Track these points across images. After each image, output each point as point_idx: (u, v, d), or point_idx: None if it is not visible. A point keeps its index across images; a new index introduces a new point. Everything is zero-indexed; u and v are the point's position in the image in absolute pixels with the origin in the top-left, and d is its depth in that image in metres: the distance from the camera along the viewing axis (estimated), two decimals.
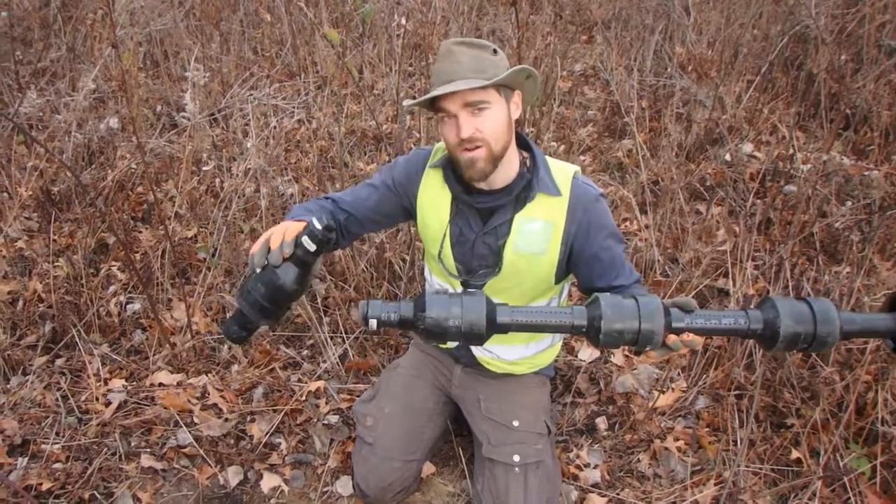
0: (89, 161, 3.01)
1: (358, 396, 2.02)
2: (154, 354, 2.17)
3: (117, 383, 2.06)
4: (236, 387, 2.08)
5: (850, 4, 3.89)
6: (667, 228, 2.69)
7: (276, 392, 2.07)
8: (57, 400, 1.99)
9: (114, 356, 2.17)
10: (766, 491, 1.77)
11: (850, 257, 2.33)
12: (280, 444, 1.93)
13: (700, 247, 2.60)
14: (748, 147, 3.25)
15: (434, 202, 1.57)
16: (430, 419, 1.77)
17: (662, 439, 1.93)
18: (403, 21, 3.02)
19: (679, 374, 2.12)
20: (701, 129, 3.31)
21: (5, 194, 2.74)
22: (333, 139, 3.07)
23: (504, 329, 1.11)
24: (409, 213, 1.65)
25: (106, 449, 1.86)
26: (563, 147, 3.34)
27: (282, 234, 1.24)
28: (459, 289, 1.62)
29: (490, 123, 1.37)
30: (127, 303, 2.38)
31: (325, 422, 1.99)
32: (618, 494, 1.80)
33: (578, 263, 1.53)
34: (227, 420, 1.96)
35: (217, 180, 2.84)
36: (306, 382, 2.09)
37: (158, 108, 3.51)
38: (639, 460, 1.90)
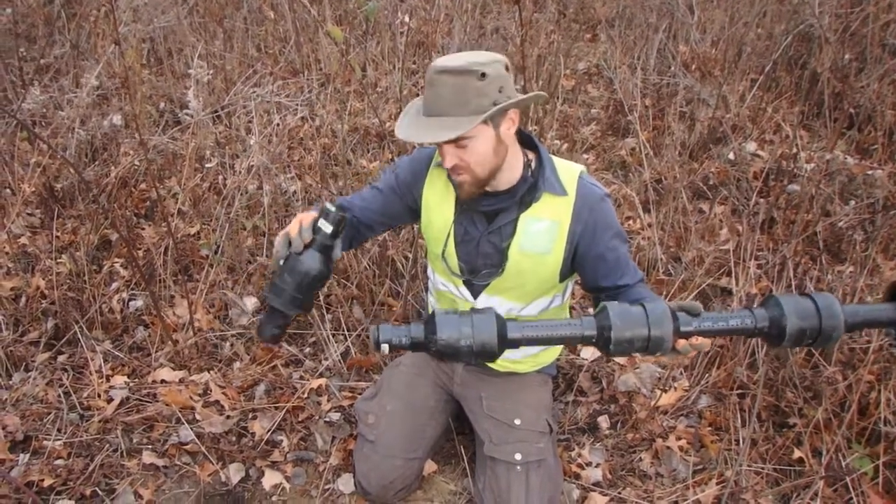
0: (92, 158, 3.01)
1: (360, 394, 2.02)
2: (156, 351, 2.17)
3: (119, 380, 2.06)
4: (238, 384, 2.08)
5: (854, 3, 3.87)
6: (670, 227, 2.69)
7: (278, 389, 2.07)
8: (59, 396, 1.99)
9: (116, 353, 2.17)
10: (768, 491, 1.77)
11: (853, 256, 2.33)
12: (282, 441, 1.93)
13: (703, 246, 2.59)
14: (751, 146, 3.24)
15: (439, 201, 1.57)
16: (432, 417, 1.77)
17: (664, 438, 1.93)
18: (407, 18, 3.02)
19: (681, 374, 2.12)
20: (704, 127, 3.31)
21: (8, 191, 2.74)
22: (336, 137, 3.07)
23: (515, 344, 1.13)
24: (415, 213, 1.65)
25: (108, 445, 1.86)
26: (566, 145, 3.34)
27: (298, 223, 1.30)
28: (462, 288, 1.62)
29: (474, 155, 1.36)
30: (129, 299, 2.38)
31: (327, 419, 1.99)
32: (619, 493, 1.80)
33: (583, 263, 1.53)
34: (228, 417, 1.96)
35: (220, 177, 2.84)
36: (308, 380, 2.09)
37: (162, 104, 3.51)
38: (641, 459, 1.90)
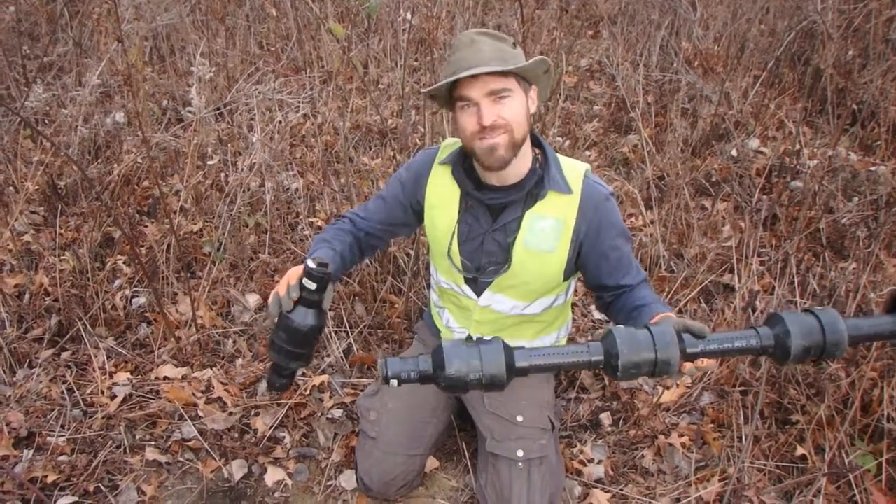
0: (95, 155, 3.02)
1: (362, 391, 2.02)
2: (159, 348, 2.18)
3: (122, 377, 2.07)
4: (241, 380, 2.09)
5: None
6: (672, 224, 2.68)
7: None
8: (62, 393, 2.00)
9: (119, 349, 2.18)
10: (770, 488, 1.77)
11: (856, 253, 2.32)
12: (284, 437, 1.93)
13: (705, 242, 2.59)
14: (754, 142, 3.23)
15: (442, 199, 1.57)
16: (434, 414, 1.77)
17: (667, 435, 1.93)
18: (409, 16, 3.01)
19: None
20: (707, 124, 3.30)
21: (12, 188, 2.75)
22: (338, 134, 3.07)
23: (523, 372, 1.14)
24: (419, 216, 1.66)
25: (111, 442, 1.87)
26: (568, 142, 3.33)
27: (286, 283, 1.35)
28: (465, 286, 1.62)
29: (512, 111, 1.38)
30: (132, 296, 2.39)
31: (329, 416, 1.99)
32: (621, 490, 1.80)
33: (587, 262, 1.53)
34: (231, 414, 1.97)
35: (222, 175, 2.84)
36: (310, 377, 2.09)
37: (164, 102, 3.52)
38: (643, 456, 1.90)
